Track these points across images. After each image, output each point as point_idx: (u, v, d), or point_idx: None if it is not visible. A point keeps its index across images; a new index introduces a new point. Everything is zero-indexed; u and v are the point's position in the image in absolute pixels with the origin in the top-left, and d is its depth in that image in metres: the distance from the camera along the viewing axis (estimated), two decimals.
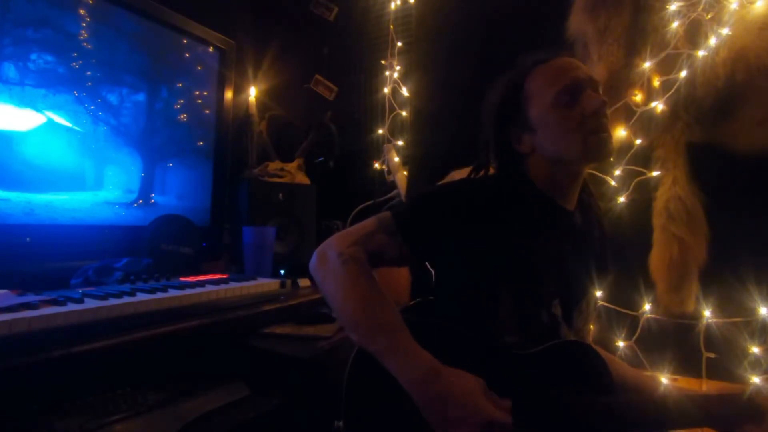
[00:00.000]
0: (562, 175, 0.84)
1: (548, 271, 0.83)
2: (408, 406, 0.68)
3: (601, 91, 0.83)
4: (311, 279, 0.83)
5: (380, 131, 1.93)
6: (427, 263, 0.98)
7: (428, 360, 0.68)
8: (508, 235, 0.81)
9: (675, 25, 1.29)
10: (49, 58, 1.32)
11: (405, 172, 1.83)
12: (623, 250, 1.33)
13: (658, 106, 1.30)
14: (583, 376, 0.75)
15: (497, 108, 0.87)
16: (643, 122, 1.33)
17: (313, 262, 0.81)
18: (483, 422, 0.62)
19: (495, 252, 0.81)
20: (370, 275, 0.78)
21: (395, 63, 1.91)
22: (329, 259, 0.78)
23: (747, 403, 0.70)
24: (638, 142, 1.34)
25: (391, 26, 1.92)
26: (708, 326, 1.20)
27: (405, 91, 1.87)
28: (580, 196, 0.89)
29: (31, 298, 0.92)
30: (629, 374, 0.91)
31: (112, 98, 1.50)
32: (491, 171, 0.91)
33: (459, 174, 1.29)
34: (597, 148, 0.79)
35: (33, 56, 1.28)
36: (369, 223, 0.83)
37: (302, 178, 1.92)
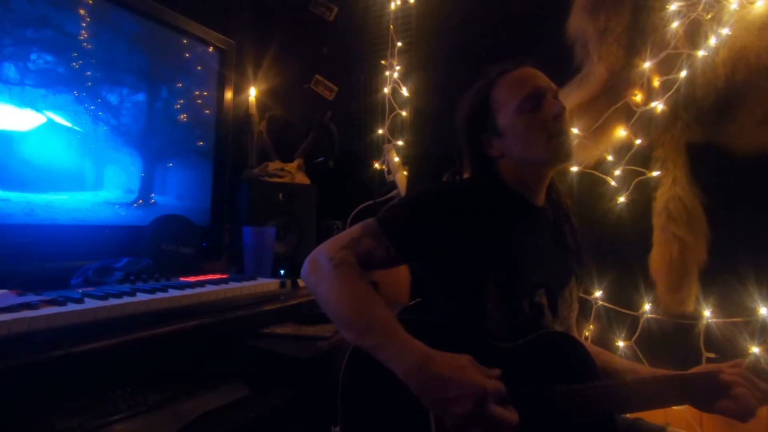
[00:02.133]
0: (530, 175, 0.92)
1: (528, 262, 0.88)
2: (403, 407, 0.70)
3: (559, 98, 0.90)
4: None
5: (380, 131, 1.93)
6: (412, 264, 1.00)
7: (422, 348, 0.70)
8: (485, 231, 0.85)
9: (675, 25, 1.29)
10: (49, 58, 1.32)
11: (405, 172, 1.83)
12: (623, 250, 1.33)
13: (658, 106, 1.31)
14: (565, 364, 0.79)
15: (468, 116, 0.95)
16: (643, 122, 1.34)
17: (305, 270, 0.84)
18: (477, 394, 0.65)
19: (475, 248, 0.85)
20: (362, 277, 0.81)
21: (395, 63, 1.91)
22: (321, 264, 0.81)
23: (715, 379, 0.77)
24: (638, 142, 1.34)
25: (391, 26, 1.92)
26: (708, 326, 1.20)
27: (405, 91, 1.87)
28: (548, 194, 0.97)
29: (31, 298, 0.92)
30: (625, 364, 0.94)
31: (112, 98, 1.49)
32: (465, 175, 0.98)
33: None
34: (558, 150, 0.86)
35: (33, 56, 1.28)
36: (355, 228, 0.86)
37: (302, 178, 1.92)
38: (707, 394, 0.77)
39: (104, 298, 0.96)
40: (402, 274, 1.59)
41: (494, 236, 0.85)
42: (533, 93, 0.87)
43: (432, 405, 0.68)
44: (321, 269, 0.80)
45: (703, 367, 0.83)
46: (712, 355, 1.18)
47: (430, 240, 0.85)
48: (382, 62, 1.94)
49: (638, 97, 1.35)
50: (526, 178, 0.92)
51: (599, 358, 0.89)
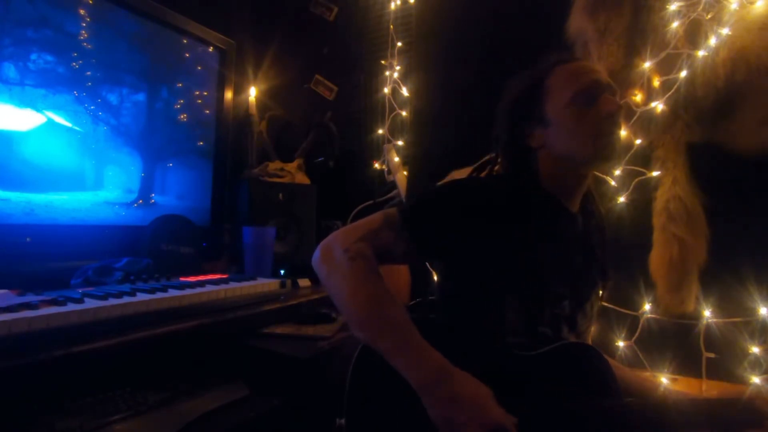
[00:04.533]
0: (568, 175, 0.86)
1: (553, 271, 0.83)
2: (411, 405, 0.67)
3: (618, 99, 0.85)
4: (311, 278, 0.83)
5: (380, 131, 1.93)
6: (428, 263, 0.98)
7: (439, 360, 0.67)
8: (513, 233, 0.81)
9: (675, 25, 1.29)
10: (49, 58, 1.32)
11: (405, 172, 1.83)
12: (623, 250, 1.33)
13: (658, 106, 1.30)
14: (587, 378, 0.75)
15: (515, 101, 0.89)
16: (643, 122, 1.33)
17: (317, 257, 0.80)
18: (491, 426, 0.61)
19: (500, 250, 0.81)
20: (378, 272, 0.76)
21: (395, 63, 1.91)
22: (335, 255, 0.77)
23: (747, 407, 0.70)
24: (638, 142, 1.34)
25: (391, 26, 1.92)
26: (708, 326, 1.20)
27: (405, 91, 1.87)
28: (583, 201, 0.90)
29: (31, 298, 0.92)
30: (630, 377, 0.91)
31: (112, 98, 1.50)
32: (497, 169, 0.93)
33: (459, 174, 1.29)
34: (606, 150, 0.81)
35: (33, 56, 1.28)
36: (375, 218, 0.82)
37: (302, 178, 1.92)
38: (733, 422, 0.70)
39: (104, 298, 0.96)
40: (402, 274, 1.59)
41: (520, 240, 0.81)
42: (590, 86, 0.81)
43: (439, 422, 0.64)
44: (335, 260, 0.76)
45: (727, 390, 0.76)
46: (711, 355, 1.18)
47: (452, 239, 0.81)
48: (382, 62, 1.94)
49: (638, 97, 1.35)
50: (563, 177, 0.86)
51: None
